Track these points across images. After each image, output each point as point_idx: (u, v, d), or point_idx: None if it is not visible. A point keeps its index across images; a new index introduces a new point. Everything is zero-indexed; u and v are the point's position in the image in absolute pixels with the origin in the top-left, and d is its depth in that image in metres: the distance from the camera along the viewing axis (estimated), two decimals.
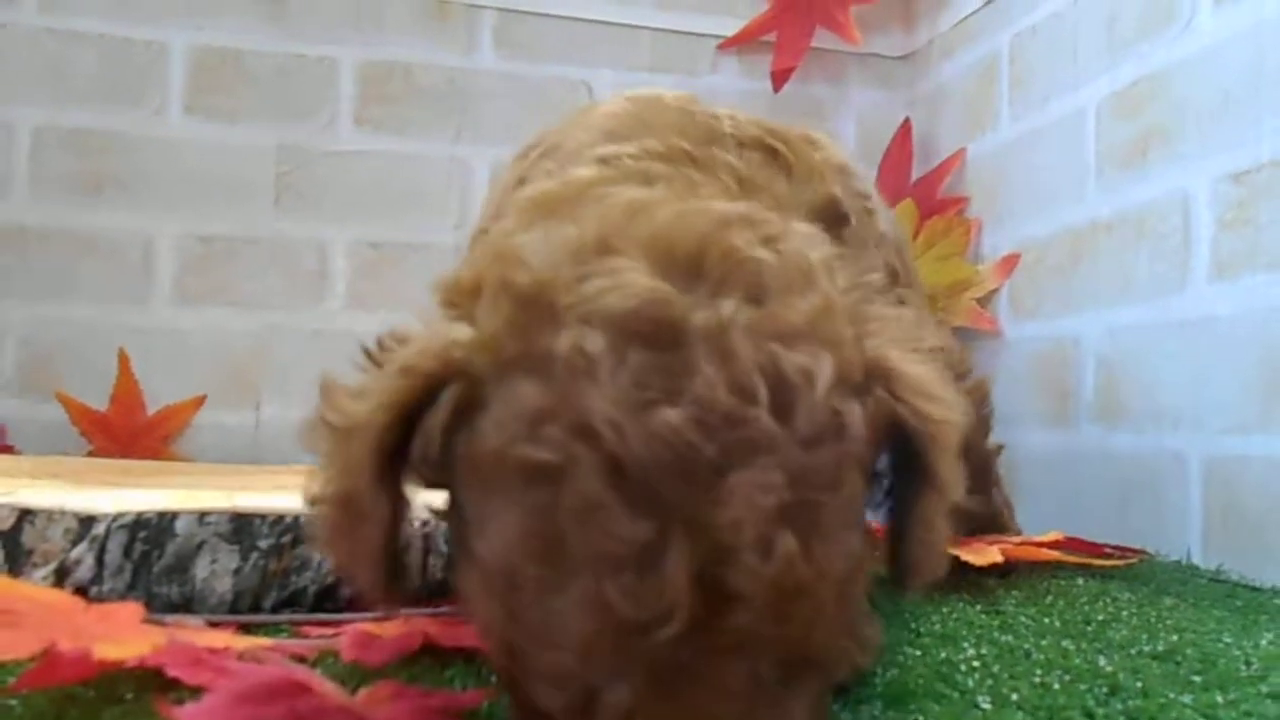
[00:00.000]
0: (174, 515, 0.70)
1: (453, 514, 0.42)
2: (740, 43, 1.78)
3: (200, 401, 1.55)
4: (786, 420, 0.36)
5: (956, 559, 0.86)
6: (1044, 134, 1.39)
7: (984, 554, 0.85)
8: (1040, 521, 1.18)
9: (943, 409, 0.42)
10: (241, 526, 0.72)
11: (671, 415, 0.35)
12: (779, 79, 1.76)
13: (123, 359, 1.50)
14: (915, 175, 1.72)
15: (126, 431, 1.48)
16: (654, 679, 0.36)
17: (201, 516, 0.71)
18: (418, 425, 0.40)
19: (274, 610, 0.73)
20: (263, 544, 0.72)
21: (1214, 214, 1.06)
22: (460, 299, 0.43)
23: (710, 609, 0.34)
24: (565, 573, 0.35)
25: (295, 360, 1.62)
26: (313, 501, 0.46)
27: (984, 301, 1.52)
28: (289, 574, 0.73)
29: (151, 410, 1.52)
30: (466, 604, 0.41)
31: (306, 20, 1.65)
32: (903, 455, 0.43)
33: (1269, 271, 0.98)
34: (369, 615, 0.72)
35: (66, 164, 1.54)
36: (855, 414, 0.38)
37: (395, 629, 0.64)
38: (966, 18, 1.62)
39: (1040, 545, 0.95)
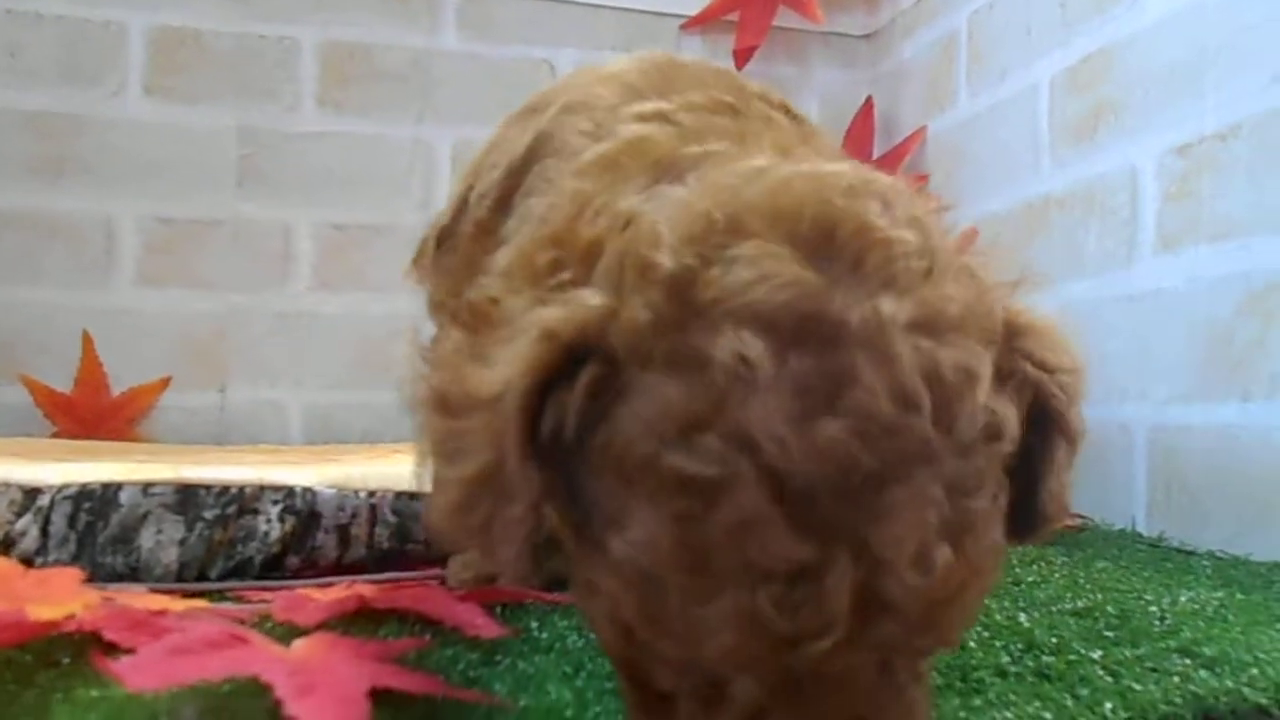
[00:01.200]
0: (118, 486, 0.71)
1: (567, 496, 0.39)
2: (703, 22, 1.79)
3: (165, 383, 1.55)
4: (947, 428, 0.34)
5: None
6: (1000, 110, 1.41)
7: None
8: None
9: (1071, 358, 0.41)
10: (187, 497, 0.73)
11: (834, 428, 0.33)
12: (741, 58, 1.77)
13: (86, 341, 1.50)
14: (877, 153, 1.73)
15: (91, 413, 1.48)
16: (786, 678, 0.36)
17: (146, 487, 0.72)
18: (549, 399, 0.37)
19: (220, 580, 0.74)
20: (208, 514, 0.73)
21: (1160, 187, 1.07)
22: (573, 260, 0.41)
23: (862, 620, 0.34)
24: (716, 584, 0.34)
25: (260, 342, 1.63)
26: (436, 482, 0.41)
27: None
28: (235, 544, 0.74)
29: (116, 392, 1.52)
30: (582, 586, 0.40)
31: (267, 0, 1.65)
32: (1035, 406, 0.41)
33: (1211, 243, 1.00)
34: (312, 582, 0.73)
35: (26, 147, 1.53)
36: (1011, 414, 0.37)
37: (333, 594, 0.65)
38: None
39: None
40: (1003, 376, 0.38)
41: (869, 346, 0.34)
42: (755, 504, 0.33)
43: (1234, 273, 0.97)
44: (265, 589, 0.71)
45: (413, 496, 0.82)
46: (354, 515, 0.79)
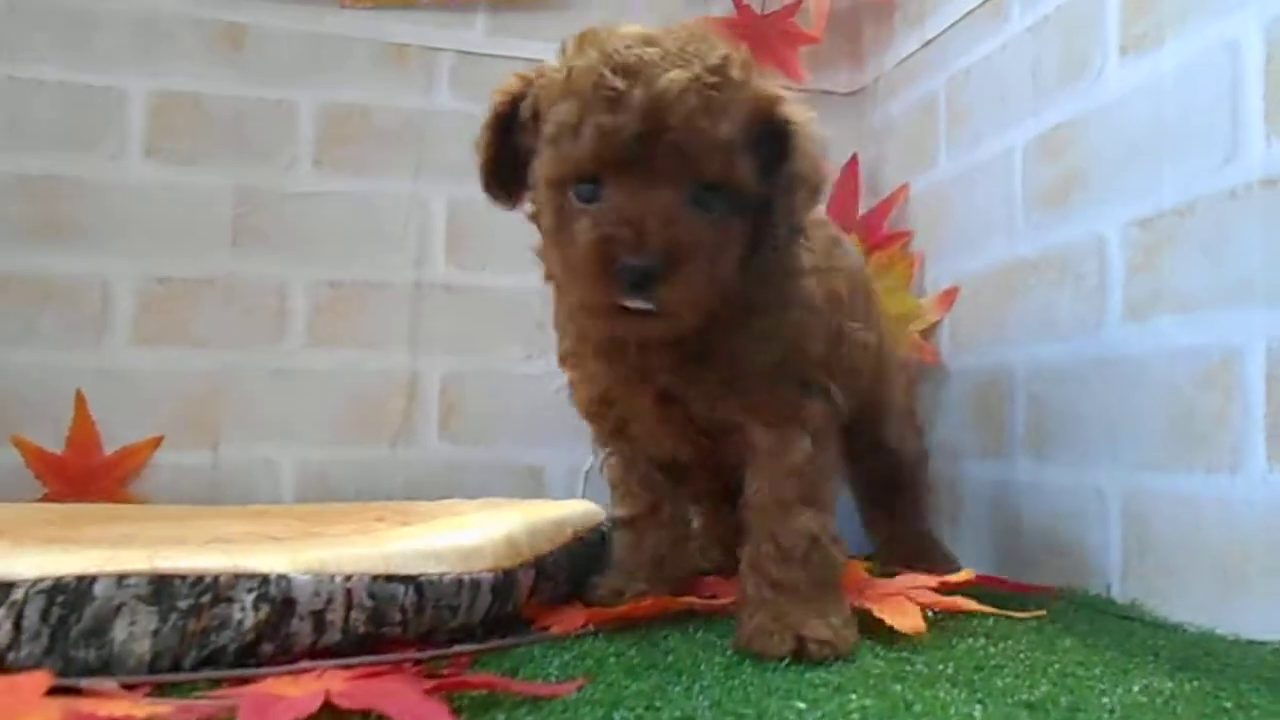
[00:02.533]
0: (92, 579, 0.73)
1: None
2: None
3: (157, 442, 1.57)
4: (693, 60, 0.79)
5: (880, 622, 0.88)
6: (978, 173, 1.43)
7: (907, 617, 0.87)
8: (979, 554, 1.22)
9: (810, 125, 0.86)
10: (161, 588, 0.75)
11: (649, 49, 0.79)
12: None
13: (79, 400, 1.52)
14: (863, 208, 1.75)
15: (82, 474, 1.50)
16: (626, 187, 0.79)
17: (120, 579, 0.74)
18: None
19: (193, 670, 0.75)
20: (182, 604, 0.75)
21: (1125, 257, 1.09)
22: None
23: (654, 131, 0.77)
24: (583, 115, 0.78)
25: (254, 400, 1.65)
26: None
27: (926, 334, 1.55)
28: (208, 633, 0.76)
29: (108, 451, 1.54)
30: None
31: (265, 63, 1.68)
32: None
33: (1172, 315, 1.02)
34: (284, 669, 0.75)
35: (24, 209, 1.56)
36: (737, 68, 0.82)
37: (302, 688, 0.67)
38: (907, 58, 1.66)
39: (958, 585, 0.98)
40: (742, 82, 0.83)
41: (675, 39, 0.81)
42: (600, 71, 0.78)
43: (1195, 346, 0.98)
44: (237, 679, 0.72)
45: (389, 579, 0.84)
46: (329, 600, 0.81)
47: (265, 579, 0.78)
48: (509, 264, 1.76)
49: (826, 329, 0.95)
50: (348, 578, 0.82)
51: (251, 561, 0.79)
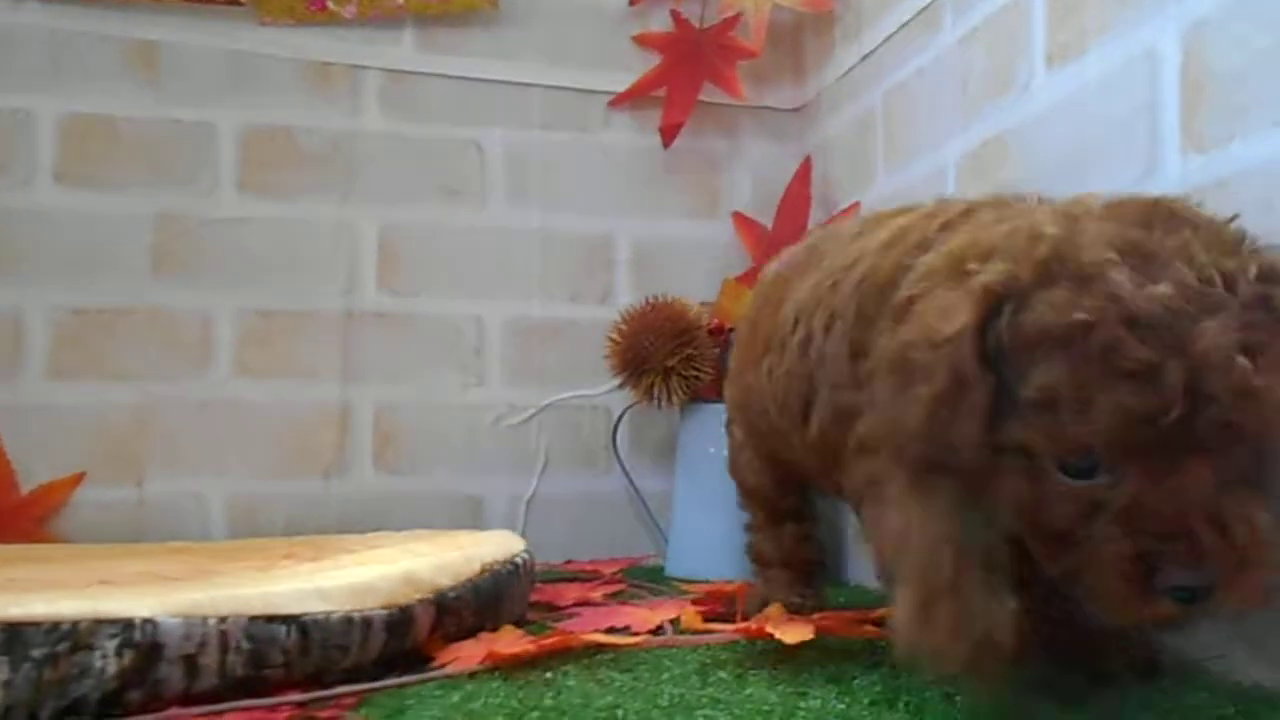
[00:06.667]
0: None
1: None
2: (631, 99, 1.79)
3: (78, 479, 1.52)
4: (1233, 292, 0.58)
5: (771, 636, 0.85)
6: (915, 189, 1.39)
7: (795, 631, 0.83)
8: None
9: None
10: (13, 636, 0.70)
11: (1162, 288, 0.57)
12: (668, 134, 1.77)
13: None
14: (815, 222, 1.71)
15: None
16: (1149, 470, 0.58)
17: None
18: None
19: None
20: (36, 653, 0.70)
21: None
22: (977, 259, 0.65)
23: (1193, 408, 0.56)
24: (1095, 390, 0.57)
25: (180, 432, 1.60)
26: (903, 401, 0.64)
27: None
28: (67, 682, 0.71)
29: (26, 490, 1.49)
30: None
31: (181, 83, 1.63)
32: None
33: None
34: (157, 717, 0.71)
35: None
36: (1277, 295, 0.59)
37: None
38: (846, 73, 1.63)
39: (856, 620, 0.92)
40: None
41: (1177, 254, 0.59)
42: (1116, 332, 0.56)
43: None
44: None
45: (269, 620, 0.79)
46: (202, 644, 0.76)
47: (129, 624, 0.73)
48: (444, 290, 1.72)
49: None
50: (222, 619, 0.77)
51: (115, 605, 0.74)
